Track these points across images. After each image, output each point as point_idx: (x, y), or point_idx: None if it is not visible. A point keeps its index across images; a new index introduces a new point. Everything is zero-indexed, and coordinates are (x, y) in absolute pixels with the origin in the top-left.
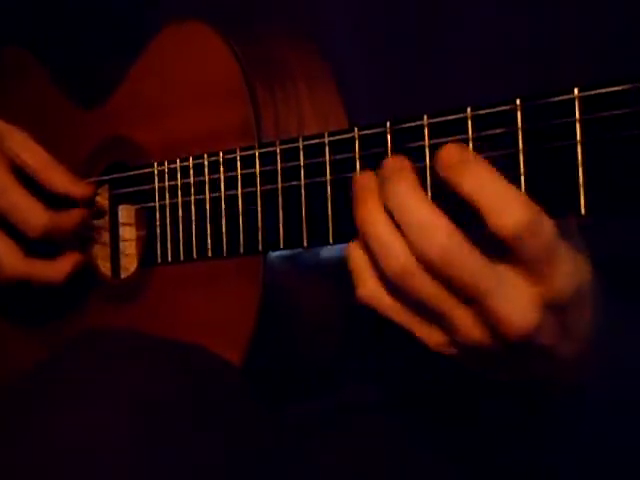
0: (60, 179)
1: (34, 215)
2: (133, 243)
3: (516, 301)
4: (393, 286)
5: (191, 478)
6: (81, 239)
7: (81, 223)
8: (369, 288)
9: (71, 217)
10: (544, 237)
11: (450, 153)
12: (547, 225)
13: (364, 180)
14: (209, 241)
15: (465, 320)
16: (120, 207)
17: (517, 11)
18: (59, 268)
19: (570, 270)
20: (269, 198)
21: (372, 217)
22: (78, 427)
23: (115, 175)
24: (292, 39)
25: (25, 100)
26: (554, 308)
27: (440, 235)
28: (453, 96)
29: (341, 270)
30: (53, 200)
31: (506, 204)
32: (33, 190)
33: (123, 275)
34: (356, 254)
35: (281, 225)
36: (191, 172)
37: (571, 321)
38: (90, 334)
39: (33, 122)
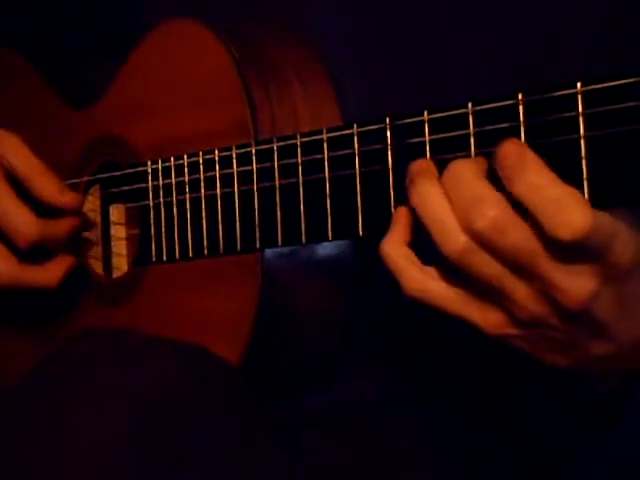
0: (48, 188)
1: (25, 225)
2: (123, 242)
3: (573, 271)
4: (450, 268)
5: (191, 477)
6: (73, 240)
7: (71, 232)
8: (416, 281)
9: (61, 226)
10: (601, 236)
11: (507, 152)
12: (605, 223)
13: (421, 164)
14: (205, 239)
15: (525, 294)
16: (111, 206)
17: (517, 9)
18: (52, 272)
19: (627, 242)
20: (266, 195)
21: (430, 198)
22: (78, 427)
23: (108, 174)
24: (286, 38)
25: (17, 101)
26: (610, 278)
27: (490, 206)
28: (451, 96)
29: (341, 268)
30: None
31: (562, 211)
32: (26, 196)
33: (115, 274)
34: (393, 251)
35: (279, 222)
36: (186, 170)
37: (628, 295)
38: (88, 334)
39: (25, 123)
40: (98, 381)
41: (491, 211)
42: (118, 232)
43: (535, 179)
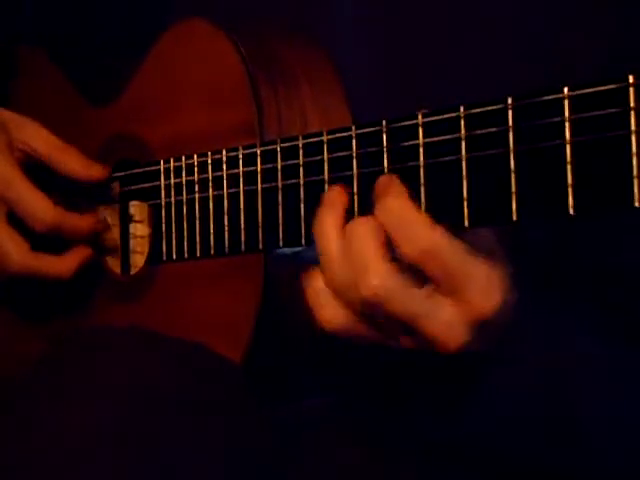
0: (73, 163)
1: (41, 209)
2: (145, 240)
3: (444, 323)
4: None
5: (190, 477)
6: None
7: (91, 229)
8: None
9: (82, 221)
10: (446, 257)
11: (378, 183)
12: (449, 246)
13: (334, 195)
14: (212, 239)
15: (406, 343)
16: (131, 204)
17: (519, 10)
18: (66, 263)
19: (484, 287)
20: (270, 196)
21: (327, 232)
22: (75, 426)
23: (124, 172)
24: (296, 39)
25: (39, 97)
26: (480, 324)
27: (374, 277)
28: (454, 94)
29: None
30: (66, 202)
31: (408, 234)
32: (45, 187)
33: (133, 272)
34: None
35: (281, 223)
36: (195, 170)
37: (498, 332)
38: (90, 331)
39: (46, 119)
40: (96, 380)
41: (374, 280)
42: (139, 230)
43: (393, 203)
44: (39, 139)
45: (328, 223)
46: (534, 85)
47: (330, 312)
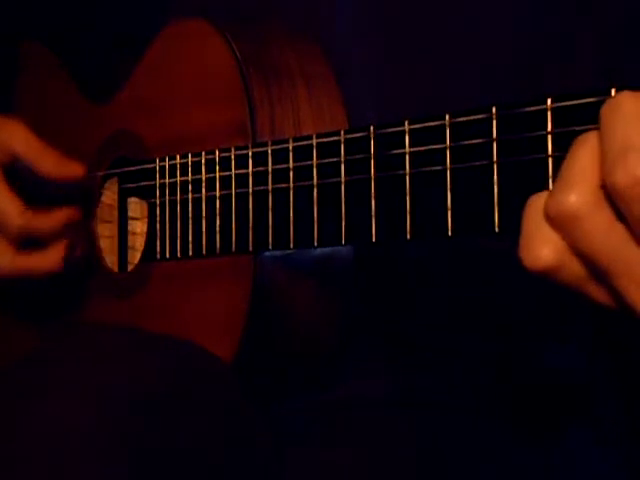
0: (49, 162)
1: (9, 213)
2: (143, 237)
3: None
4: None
5: (190, 477)
6: (86, 233)
7: (63, 225)
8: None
9: (50, 218)
10: None
11: None
12: None
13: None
14: (204, 239)
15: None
16: (130, 201)
17: (519, 11)
18: (51, 256)
19: None
20: (260, 199)
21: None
22: (70, 425)
23: (120, 170)
24: (292, 38)
25: (40, 93)
26: None
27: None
28: (454, 96)
29: (340, 267)
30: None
31: None
32: (25, 190)
33: (129, 269)
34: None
35: (270, 226)
36: (189, 170)
37: None
38: (84, 328)
39: (48, 115)
40: (91, 379)
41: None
42: (137, 227)
43: None
44: (18, 139)
45: None
46: (534, 86)
47: (549, 237)
